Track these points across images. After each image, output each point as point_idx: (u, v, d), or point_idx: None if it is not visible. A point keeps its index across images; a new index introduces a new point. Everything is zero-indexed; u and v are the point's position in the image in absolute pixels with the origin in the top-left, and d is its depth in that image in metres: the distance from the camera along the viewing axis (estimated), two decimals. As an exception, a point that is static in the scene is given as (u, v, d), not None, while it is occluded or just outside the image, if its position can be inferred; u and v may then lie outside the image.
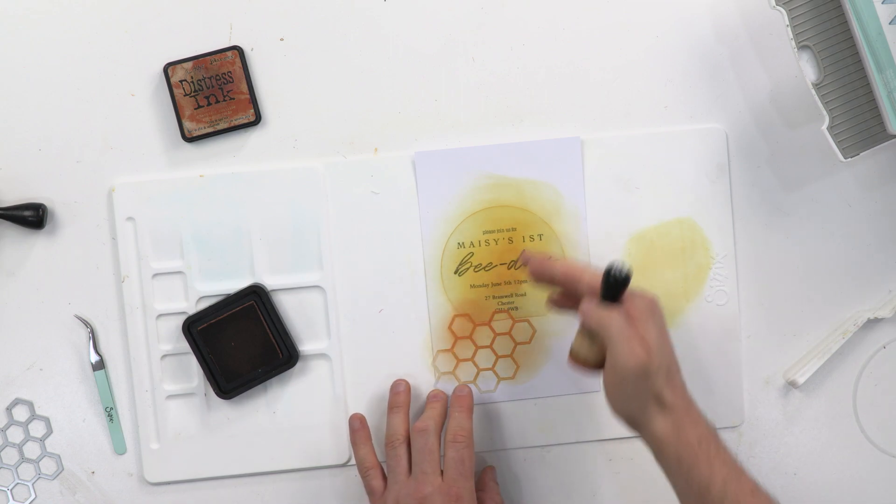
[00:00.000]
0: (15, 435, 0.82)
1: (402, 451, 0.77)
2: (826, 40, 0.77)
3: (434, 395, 0.81)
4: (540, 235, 0.82)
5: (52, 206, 0.81)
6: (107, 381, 0.82)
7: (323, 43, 0.81)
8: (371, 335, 0.82)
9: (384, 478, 0.78)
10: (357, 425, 0.80)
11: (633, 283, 0.70)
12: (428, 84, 0.82)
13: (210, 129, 0.80)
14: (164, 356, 0.81)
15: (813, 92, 0.76)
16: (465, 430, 0.78)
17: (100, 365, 0.82)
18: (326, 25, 0.81)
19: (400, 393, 0.80)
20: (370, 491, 0.78)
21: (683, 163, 0.83)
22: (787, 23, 0.76)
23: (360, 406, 0.82)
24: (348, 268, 0.82)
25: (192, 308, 0.81)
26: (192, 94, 0.80)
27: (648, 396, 0.70)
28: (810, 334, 0.84)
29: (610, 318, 0.70)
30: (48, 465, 0.82)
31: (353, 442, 0.80)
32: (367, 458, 0.79)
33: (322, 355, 0.82)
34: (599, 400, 0.83)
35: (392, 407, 0.80)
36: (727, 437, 0.84)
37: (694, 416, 0.71)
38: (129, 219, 0.81)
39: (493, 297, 0.82)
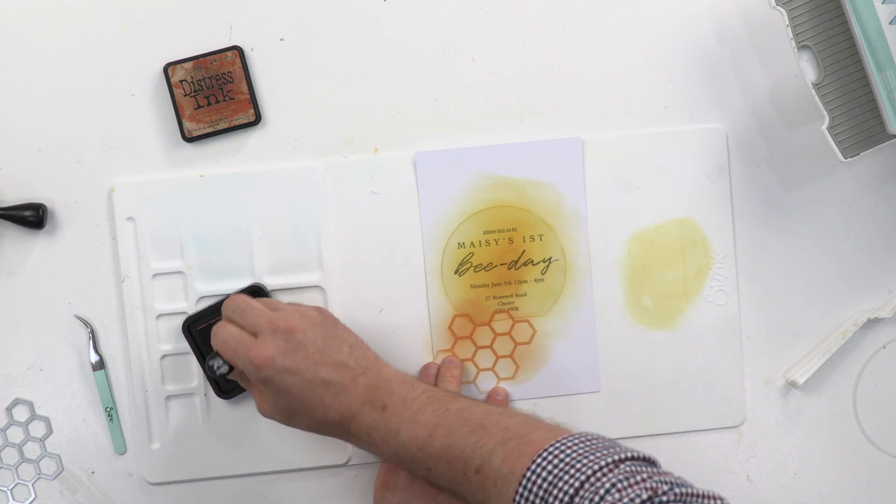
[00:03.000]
0: (15, 435, 0.82)
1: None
2: (826, 40, 0.77)
3: (450, 360, 0.82)
4: (540, 236, 0.82)
5: (52, 206, 0.81)
6: (107, 381, 0.82)
7: (323, 43, 0.81)
8: (371, 335, 0.82)
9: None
10: None
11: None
12: (428, 84, 0.82)
13: (210, 129, 0.80)
14: (164, 356, 0.81)
15: (813, 92, 0.76)
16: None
17: (100, 365, 0.82)
18: (326, 25, 0.81)
19: (430, 375, 0.81)
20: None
21: (683, 163, 0.83)
22: (787, 23, 0.76)
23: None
24: (348, 268, 0.82)
25: (192, 308, 0.81)
26: (192, 94, 0.80)
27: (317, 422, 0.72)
28: (810, 334, 0.84)
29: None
30: (48, 465, 0.82)
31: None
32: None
33: (322, 355, 0.82)
34: (599, 400, 0.83)
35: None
36: (727, 438, 0.84)
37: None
38: (129, 219, 0.81)
39: (494, 298, 0.82)
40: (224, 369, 0.73)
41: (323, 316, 0.73)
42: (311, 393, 0.70)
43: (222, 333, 0.72)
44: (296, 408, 0.71)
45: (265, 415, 0.74)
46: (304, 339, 0.71)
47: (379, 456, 0.73)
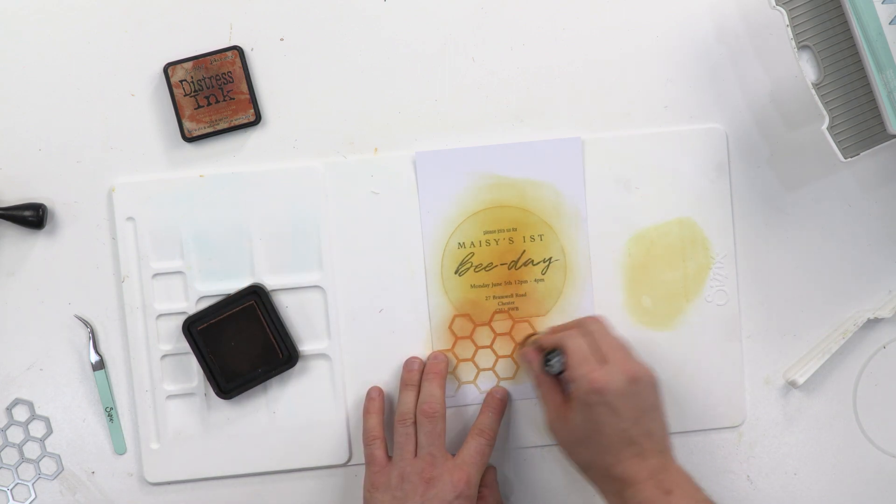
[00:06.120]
0: (15, 435, 0.82)
1: (412, 430, 0.78)
2: (826, 40, 0.77)
3: (435, 356, 0.82)
4: (540, 236, 0.82)
5: (52, 206, 0.81)
6: (107, 381, 0.82)
7: (323, 43, 0.81)
8: (371, 335, 0.82)
9: (387, 451, 0.79)
10: (374, 395, 0.81)
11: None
12: (428, 84, 0.82)
13: (210, 129, 0.80)
14: (164, 356, 0.81)
15: (813, 92, 0.76)
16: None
17: (100, 365, 0.82)
18: (326, 25, 0.81)
19: (413, 371, 0.81)
20: (371, 460, 0.79)
21: (683, 163, 0.83)
22: (787, 23, 0.76)
23: (360, 406, 0.82)
24: (348, 268, 0.82)
25: (192, 308, 0.81)
26: (192, 94, 0.80)
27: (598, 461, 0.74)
28: (810, 334, 0.84)
29: (543, 386, 0.78)
30: (48, 465, 0.82)
31: (365, 410, 0.81)
32: (374, 428, 0.80)
33: (322, 355, 0.82)
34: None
35: (405, 384, 0.80)
36: (727, 438, 0.84)
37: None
38: (129, 219, 0.81)
39: (494, 298, 0.83)
40: (558, 369, 0.76)
41: (656, 382, 0.75)
42: (615, 440, 0.72)
43: (578, 341, 0.76)
44: (591, 442, 0.73)
45: (552, 427, 0.76)
46: (639, 393, 0.73)
47: None
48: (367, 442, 0.79)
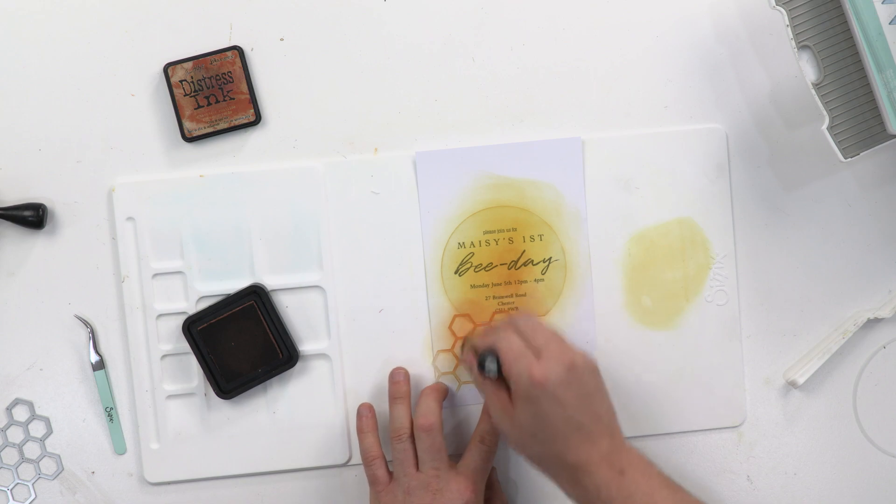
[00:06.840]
0: (15, 435, 0.82)
1: (409, 445, 0.78)
2: (826, 40, 0.77)
3: (434, 387, 0.81)
4: (540, 236, 0.82)
5: (52, 206, 0.81)
6: (107, 381, 0.82)
7: (323, 43, 0.81)
8: (371, 335, 0.82)
9: (388, 468, 0.79)
10: (364, 411, 0.80)
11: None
12: (428, 84, 0.82)
13: (210, 129, 0.80)
14: (164, 356, 0.81)
15: (813, 92, 0.76)
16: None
17: (100, 365, 0.82)
18: (326, 25, 0.81)
19: (400, 382, 0.80)
20: (374, 480, 0.78)
21: (683, 163, 0.83)
22: (787, 23, 0.76)
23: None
24: (348, 268, 0.82)
25: (192, 308, 0.81)
26: (192, 94, 0.80)
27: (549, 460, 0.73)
28: (810, 334, 0.84)
29: (486, 391, 0.76)
30: (48, 465, 0.82)
31: (359, 429, 0.80)
32: (372, 447, 0.79)
33: (322, 355, 0.82)
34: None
35: (394, 398, 0.80)
36: (727, 438, 0.84)
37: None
38: (129, 219, 0.81)
39: (494, 298, 0.83)
40: (494, 372, 0.74)
41: (595, 366, 0.74)
42: (563, 428, 0.71)
43: (510, 341, 0.74)
44: (540, 435, 0.72)
45: (501, 427, 0.74)
46: (580, 379, 0.72)
47: None
48: (367, 462, 0.79)
